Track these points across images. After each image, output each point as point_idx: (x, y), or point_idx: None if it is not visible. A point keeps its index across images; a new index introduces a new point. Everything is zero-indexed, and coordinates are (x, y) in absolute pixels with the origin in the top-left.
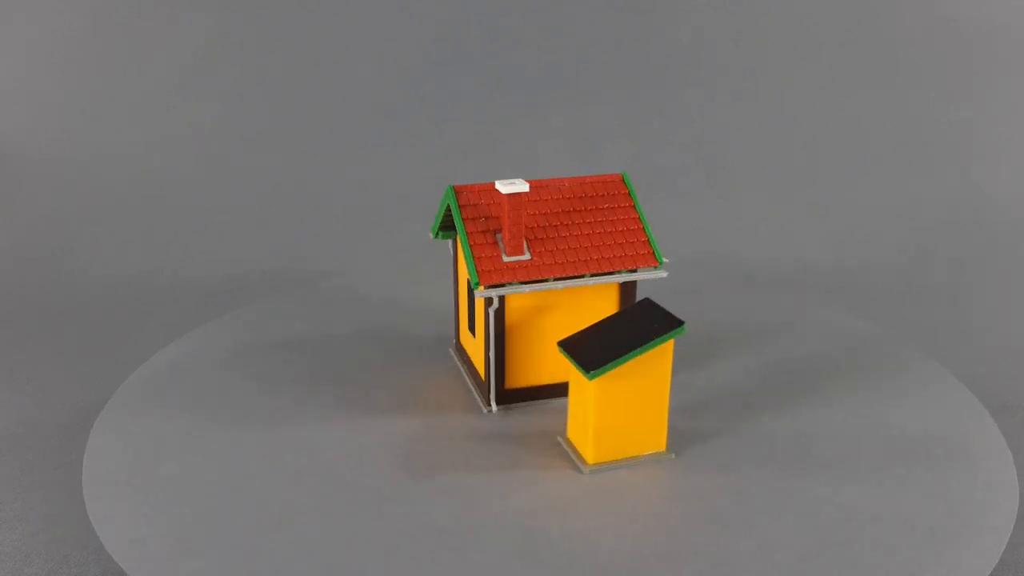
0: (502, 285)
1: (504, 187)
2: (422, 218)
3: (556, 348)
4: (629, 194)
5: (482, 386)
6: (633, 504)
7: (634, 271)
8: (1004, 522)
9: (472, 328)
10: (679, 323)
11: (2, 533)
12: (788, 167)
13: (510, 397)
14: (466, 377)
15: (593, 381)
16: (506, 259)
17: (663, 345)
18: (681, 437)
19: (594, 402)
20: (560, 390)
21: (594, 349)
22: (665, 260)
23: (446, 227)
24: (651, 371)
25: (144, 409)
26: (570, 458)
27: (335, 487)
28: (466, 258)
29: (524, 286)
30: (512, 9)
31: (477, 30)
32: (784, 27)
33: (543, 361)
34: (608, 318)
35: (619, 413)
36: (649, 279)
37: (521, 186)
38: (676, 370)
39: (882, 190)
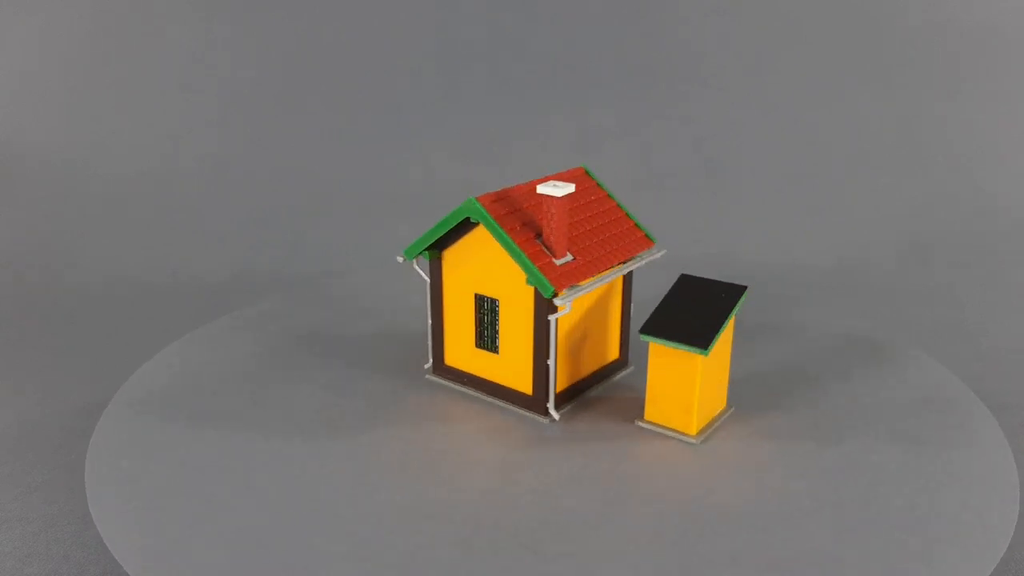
0: (573, 288)
1: (552, 190)
2: (422, 217)
3: (590, 343)
4: (598, 185)
5: (530, 398)
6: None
7: (641, 257)
8: (1004, 522)
9: (487, 343)
10: (742, 288)
11: (2, 533)
12: (788, 167)
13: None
14: (473, 394)
15: (700, 356)
16: (558, 263)
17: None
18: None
19: (700, 376)
20: (593, 379)
21: (683, 328)
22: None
23: (437, 246)
24: (725, 336)
25: (146, 409)
26: (665, 438)
27: (339, 487)
28: (525, 269)
29: (582, 288)
30: (513, 8)
31: (477, 30)
32: (784, 27)
33: (583, 357)
34: (665, 300)
35: (710, 381)
36: (653, 261)
37: (567, 188)
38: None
39: (882, 190)
